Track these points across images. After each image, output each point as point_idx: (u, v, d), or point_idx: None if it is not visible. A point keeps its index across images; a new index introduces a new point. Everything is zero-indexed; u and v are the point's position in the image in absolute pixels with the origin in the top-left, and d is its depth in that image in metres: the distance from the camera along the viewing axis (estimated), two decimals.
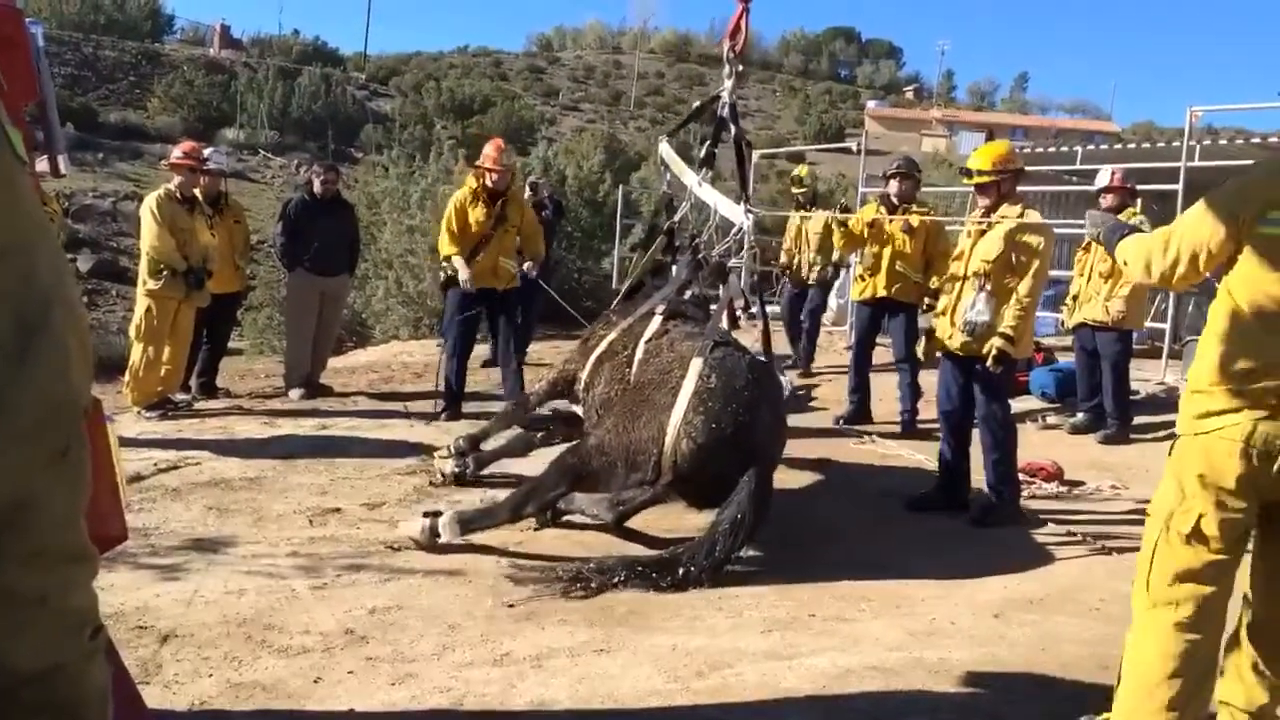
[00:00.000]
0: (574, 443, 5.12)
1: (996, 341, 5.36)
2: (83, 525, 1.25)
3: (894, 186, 7.71)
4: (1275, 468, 2.65)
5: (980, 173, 5.52)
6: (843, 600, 4.23)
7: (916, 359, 7.71)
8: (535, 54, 78.30)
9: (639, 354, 5.06)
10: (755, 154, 14.76)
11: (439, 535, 4.61)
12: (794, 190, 10.89)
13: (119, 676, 2.15)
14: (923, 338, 6.07)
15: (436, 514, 4.71)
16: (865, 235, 7.74)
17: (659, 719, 3.19)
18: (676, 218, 6.01)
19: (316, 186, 8.52)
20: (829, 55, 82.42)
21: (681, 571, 4.28)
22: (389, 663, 3.48)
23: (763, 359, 5.24)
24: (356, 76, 52.26)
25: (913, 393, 7.76)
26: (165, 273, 7.33)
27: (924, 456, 6.79)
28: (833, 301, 13.01)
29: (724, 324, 5.28)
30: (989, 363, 5.40)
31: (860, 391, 7.97)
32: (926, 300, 7.71)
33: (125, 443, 6.44)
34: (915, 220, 7.62)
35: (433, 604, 4.02)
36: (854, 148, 18.35)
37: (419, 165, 15.24)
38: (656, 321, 5.22)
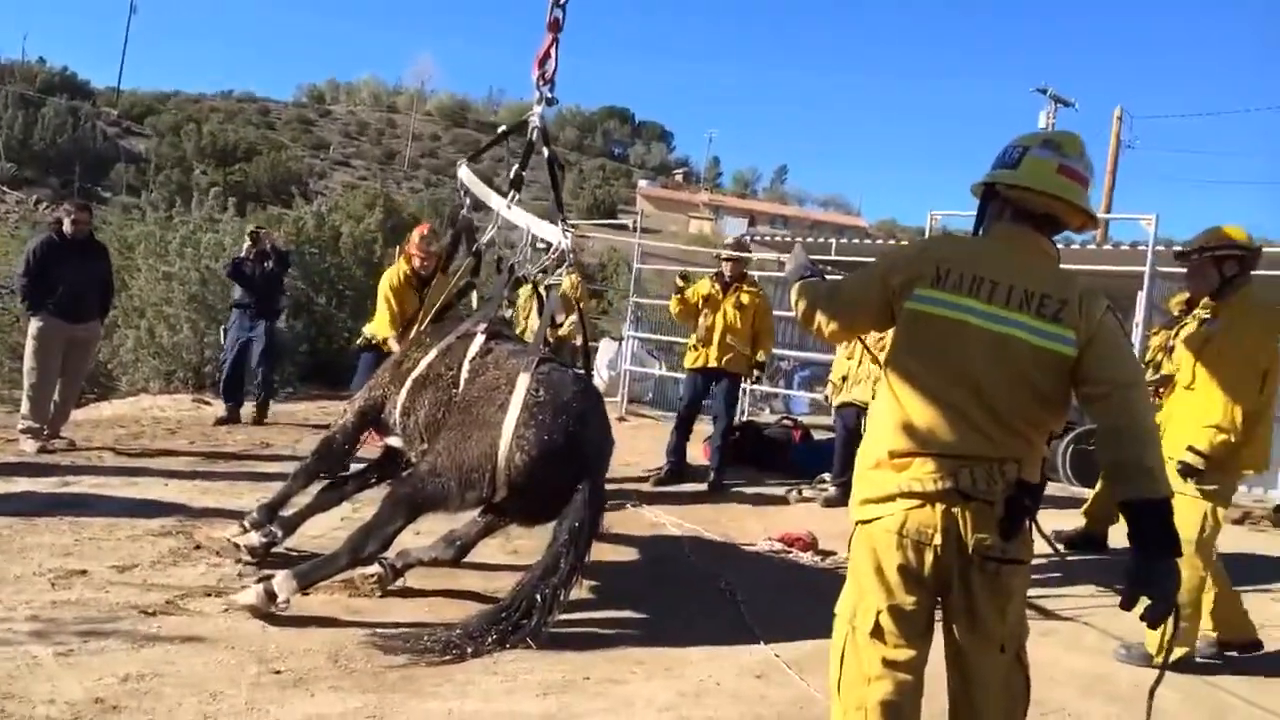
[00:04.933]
0: (404, 474, 5.04)
1: None
2: None
3: (727, 267, 8.36)
4: (929, 560, 2.52)
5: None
6: (616, 663, 4.32)
7: (731, 425, 8.29)
8: (305, 105, 76.27)
9: (464, 374, 5.02)
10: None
11: (276, 597, 4.38)
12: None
13: None
14: None
15: (268, 577, 4.47)
16: (700, 307, 8.28)
17: None
18: (483, 240, 6.04)
19: (67, 226, 7.98)
20: (603, 133, 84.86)
21: (539, 599, 4.25)
22: None
23: (584, 373, 5.38)
24: (108, 111, 49.22)
25: (722, 455, 8.20)
26: None
27: (694, 526, 7.00)
28: (604, 372, 13.29)
29: (546, 340, 5.33)
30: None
31: (678, 455, 8.32)
32: (754, 372, 8.37)
33: None
34: (745, 298, 8.21)
35: (192, 671, 3.80)
36: (630, 225, 19.00)
37: (180, 210, 14.52)
38: (479, 340, 5.20)
